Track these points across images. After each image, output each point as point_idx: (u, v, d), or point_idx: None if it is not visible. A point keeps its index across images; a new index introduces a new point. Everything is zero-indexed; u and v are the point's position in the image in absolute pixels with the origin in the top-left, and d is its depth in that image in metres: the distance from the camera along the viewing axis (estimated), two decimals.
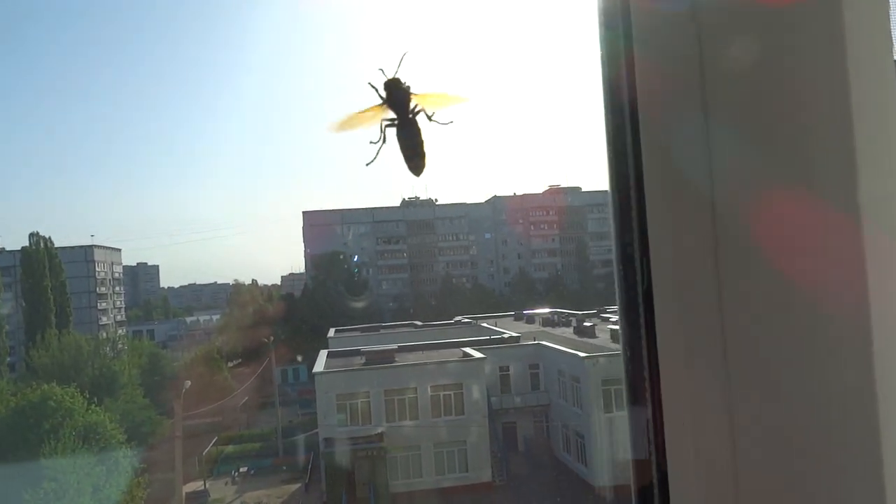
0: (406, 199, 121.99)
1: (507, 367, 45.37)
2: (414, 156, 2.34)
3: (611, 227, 1.41)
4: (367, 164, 2.58)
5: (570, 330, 54.84)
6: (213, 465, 48.17)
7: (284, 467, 47.60)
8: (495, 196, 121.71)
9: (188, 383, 29.76)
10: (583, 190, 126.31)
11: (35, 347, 59.91)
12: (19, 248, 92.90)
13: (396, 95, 2.26)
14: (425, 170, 2.33)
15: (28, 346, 70.11)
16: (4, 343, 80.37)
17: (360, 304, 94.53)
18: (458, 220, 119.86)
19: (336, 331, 68.31)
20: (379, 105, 2.28)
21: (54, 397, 34.81)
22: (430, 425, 38.77)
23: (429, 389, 39.07)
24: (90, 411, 35.21)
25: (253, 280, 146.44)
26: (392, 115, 2.30)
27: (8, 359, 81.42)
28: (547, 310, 70.97)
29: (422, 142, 2.31)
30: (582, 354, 38.52)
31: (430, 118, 2.34)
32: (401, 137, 2.30)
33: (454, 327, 65.23)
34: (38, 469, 26.22)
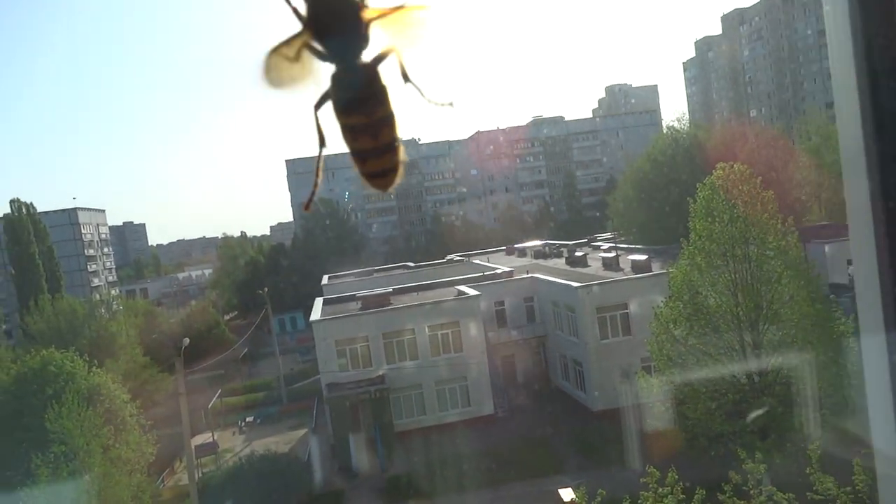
0: None
1: (502, 301, 45.70)
2: (377, 153, 1.39)
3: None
4: (305, 209, 1.81)
5: (562, 261, 55.14)
6: (219, 417, 48.92)
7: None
8: (478, 132, 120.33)
9: (187, 340, 29.74)
10: (566, 119, 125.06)
11: (30, 314, 59.71)
12: (0, 216, 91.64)
13: (332, 15, 1.18)
14: (398, 179, 1.47)
15: (22, 313, 69.88)
16: None
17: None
18: (443, 158, 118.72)
19: (329, 277, 68.33)
20: (299, 36, 1.23)
21: (54, 362, 34.80)
22: (430, 364, 39.29)
23: (426, 329, 39.41)
24: (92, 373, 35.24)
25: (242, 232, 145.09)
26: (323, 59, 1.26)
27: (3, 326, 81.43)
28: (538, 242, 71.11)
29: (391, 122, 1.33)
30: (575, 284, 38.77)
31: (405, 77, 1.31)
32: (348, 111, 1.24)
33: (447, 266, 65.40)
34: (45, 434, 26.45)
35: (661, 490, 8.72)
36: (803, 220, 51.72)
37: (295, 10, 1.22)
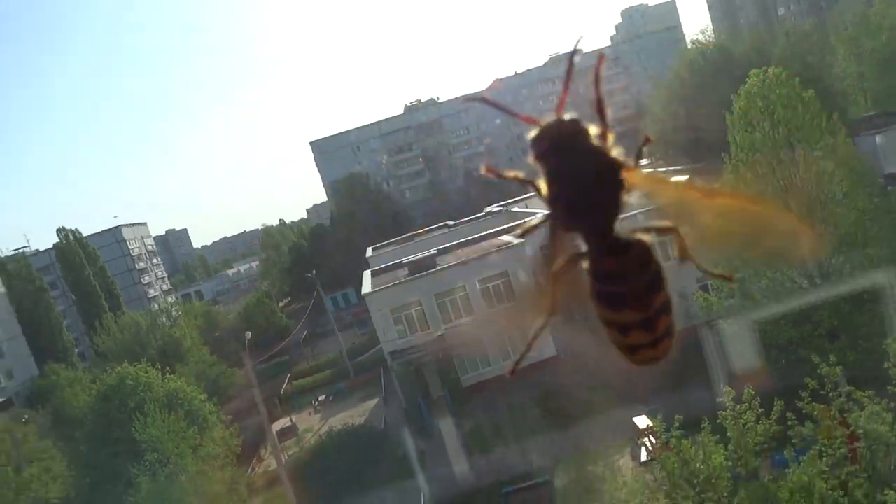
0: (408, 104, 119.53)
1: (546, 244, 45.47)
2: (652, 343, 1.05)
3: None
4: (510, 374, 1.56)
5: None
6: (292, 401, 50.51)
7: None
8: (497, 79, 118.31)
9: (249, 333, 30.63)
10: (584, 52, 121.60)
11: (97, 334, 62.11)
12: (51, 246, 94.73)
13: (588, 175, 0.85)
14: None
15: (90, 335, 72.73)
16: (68, 337, 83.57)
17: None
18: (464, 113, 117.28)
19: (373, 249, 68.93)
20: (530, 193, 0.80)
21: (130, 376, 36.31)
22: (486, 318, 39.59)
23: (477, 284, 39.61)
24: (167, 380, 36.71)
25: (280, 220, 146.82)
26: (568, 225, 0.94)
27: (77, 349, 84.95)
28: None
29: (669, 309, 0.96)
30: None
31: (684, 256, 0.99)
32: (617, 305, 0.92)
33: (486, 219, 65.20)
34: (136, 444, 27.81)
35: (738, 407, 8.74)
36: (849, 113, 49.57)
37: (539, 161, 0.89)
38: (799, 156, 22.77)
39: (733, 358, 25.65)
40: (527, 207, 60.49)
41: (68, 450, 38.11)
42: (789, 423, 9.53)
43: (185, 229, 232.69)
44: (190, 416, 32.13)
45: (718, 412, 8.90)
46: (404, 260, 47.34)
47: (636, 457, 24.84)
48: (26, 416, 48.62)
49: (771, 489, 8.18)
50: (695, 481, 8.95)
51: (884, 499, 8.98)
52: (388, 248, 66.50)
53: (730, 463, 8.48)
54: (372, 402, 46.00)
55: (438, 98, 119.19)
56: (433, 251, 46.95)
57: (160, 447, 25.28)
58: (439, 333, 39.20)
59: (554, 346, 40.05)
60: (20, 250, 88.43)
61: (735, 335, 25.32)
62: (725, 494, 8.42)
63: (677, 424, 9.33)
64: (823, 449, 8.79)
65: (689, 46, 65.09)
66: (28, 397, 66.45)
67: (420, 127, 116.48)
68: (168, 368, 40.70)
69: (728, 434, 8.67)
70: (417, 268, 43.28)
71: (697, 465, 8.53)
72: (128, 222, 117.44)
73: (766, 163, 23.18)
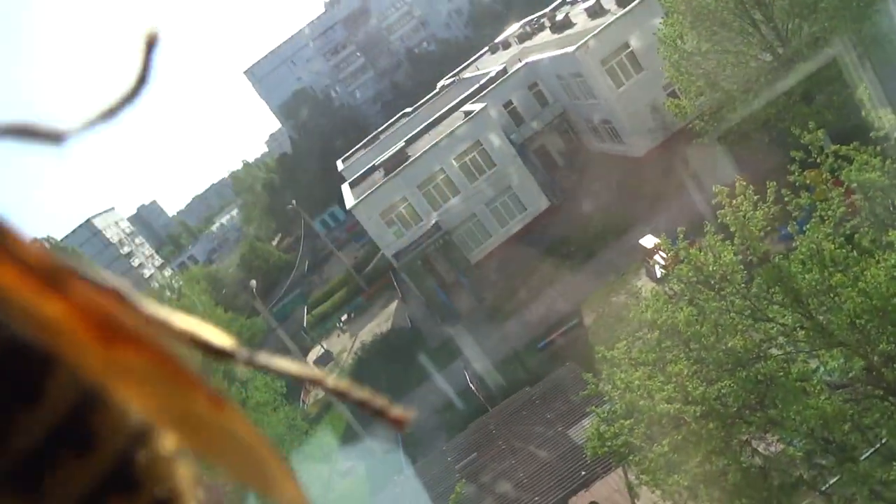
0: (326, 1, 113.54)
1: (510, 101, 44.75)
2: None
3: None
4: None
5: (548, 32, 52.74)
6: (318, 329, 51.64)
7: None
8: None
9: (254, 282, 30.84)
10: None
11: None
12: None
13: None
14: None
15: None
16: None
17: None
18: None
19: (343, 160, 67.93)
20: None
21: None
22: (473, 192, 39.64)
23: (454, 163, 39.34)
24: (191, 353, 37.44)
25: (243, 162, 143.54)
26: None
27: None
28: (516, 26, 67.85)
29: None
30: (570, 49, 37.29)
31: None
32: None
33: (441, 94, 63.70)
34: None
35: (734, 201, 8.89)
36: None
37: None
38: None
39: (716, 154, 25.89)
40: (478, 70, 58.96)
41: None
42: (786, 199, 9.69)
43: (155, 201, 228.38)
44: (226, 374, 32.95)
45: (717, 212, 9.06)
46: (377, 162, 46.78)
47: (652, 276, 25.62)
48: None
49: (783, 266, 8.48)
50: (711, 282, 9.26)
51: (890, 239, 9.30)
52: (358, 155, 65.48)
53: (739, 256, 8.73)
54: (392, 307, 47.01)
55: None
56: (402, 144, 46.29)
57: None
58: (433, 222, 39.42)
59: (544, 197, 40.43)
60: None
61: (714, 130, 25.37)
62: (743, 285, 8.75)
63: (681, 236, 9.51)
64: (823, 213, 9.00)
65: None
66: None
67: (347, 19, 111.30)
68: None
69: (731, 229, 8.87)
70: (392, 165, 42.83)
71: (711, 268, 8.80)
72: (95, 213, 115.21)
73: None
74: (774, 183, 9.27)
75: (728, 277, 8.63)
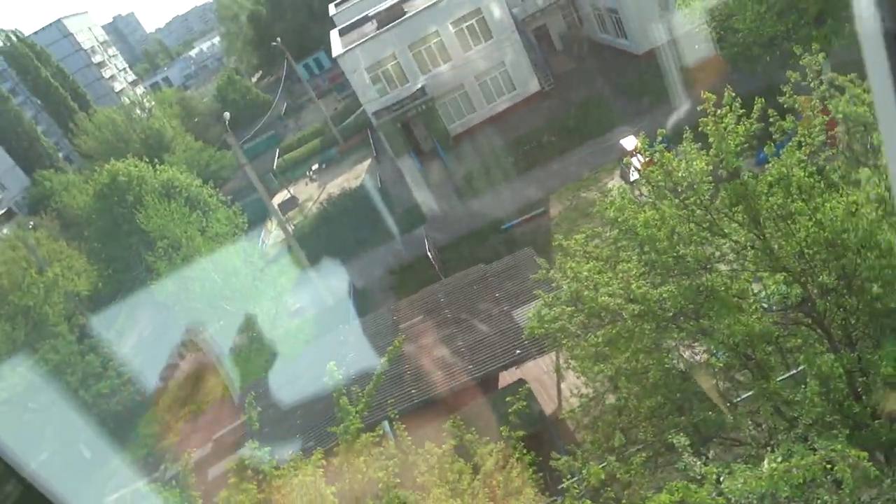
0: None
1: None
2: None
3: None
4: None
5: None
6: (287, 174, 51.15)
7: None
8: None
9: (227, 114, 29.92)
10: None
11: (75, 136, 60.97)
12: None
13: None
14: None
15: (69, 137, 71.42)
16: (48, 142, 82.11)
17: None
18: None
19: (336, 5, 64.39)
20: None
21: (121, 172, 36.36)
22: (464, 61, 38.34)
23: (450, 27, 37.69)
24: (158, 171, 36.81)
25: None
26: None
27: (60, 154, 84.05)
28: None
29: None
30: None
31: None
32: None
33: None
34: (146, 235, 28.80)
35: (719, 112, 8.74)
36: None
37: None
38: None
39: (716, 65, 25.29)
40: None
41: (83, 249, 39.64)
42: (771, 119, 9.58)
43: (132, 13, 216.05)
44: (190, 202, 32.77)
45: (699, 119, 8.93)
46: (371, 12, 44.49)
47: (626, 177, 25.64)
48: (32, 223, 49.78)
49: (750, 185, 8.52)
50: (679, 189, 9.30)
51: (858, 177, 9.37)
52: (351, 2, 62.10)
53: (710, 167, 8.72)
54: (365, 164, 46.58)
55: None
56: None
57: (168, 234, 26.20)
58: (419, 86, 38.29)
59: (536, 79, 39.39)
60: None
61: (718, 40, 24.64)
62: (707, 197, 8.82)
63: (660, 139, 9.41)
64: (802, 139, 8.96)
65: None
66: (28, 206, 67.38)
67: None
68: (157, 160, 40.62)
69: (710, 139, 8.79)
70: (386, 18, 40.82)
71: (680, 174, 8.80)
72: (67, 14, 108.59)
73: None
74: (763, 100, 9.12)
75: (694, 186, 8.66)
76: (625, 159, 26.41)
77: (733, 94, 8.71)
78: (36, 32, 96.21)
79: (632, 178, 24.59)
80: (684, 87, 28.50)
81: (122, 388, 30.31)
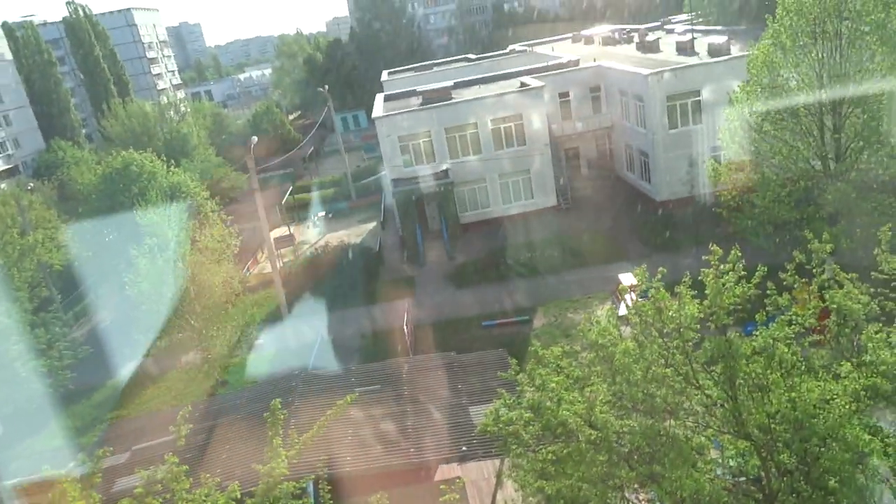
0: None
1: (567, 92, 44.14)
2: None
3: None
4: None
5: (633, 47, 51.90)
6: (292, 212, 51.41)
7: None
8: None
9: (255, 138, 30.42)
10: None
11: (105, 118, 61.74)
12: (60, 20, 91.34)
13: None
14: None
15: (98, 117, 72.36)
16: (76, 116, 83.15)
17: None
18: None
19: (389, 73, 66.89)
20: None
21: (136, 163, 36.62)
22: (493, 158, 39.34)
23: (489, 123, 38.91)
24: (171, 172, 37.06)
25: (297, 30, 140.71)
26: None
27: (84, 130, 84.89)
28: (607, 28, 66.62)
29: None
30: (645, 72, 36.76)
31: None
32: None
33: (509, 57, 62.67)
34: (137, 228, 28.66)
35: (722, 266, 8.89)
36: None
37: None
38: (846, 28, 21.35)
39: (728, 229, 25.89)
40: (552, 51, 57.95)
41: (72, 223, 39.32)
42: (768, 291, 9.74)
43: (199, 24, 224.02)
44: (191, 209, 32.78)
45: (702, 269, 9.07)
46: (419, 88, 46.12)
47: (615, 310, 25.73)
48: (31, 185, 49.60)
49: (734, 345, 8.54)
50: (664, 329, 9.31)
51: (839, 370, 9.39)
52: (405, 75, 64.53)
53: (701, 315, 8.78)
54: (370, 225, 46.92)
55: None
56: (450, 83, 45.62)
57: (160, 233, 26.08)
58: (444, 168, 39.13)
59: (555, 195, 40.30)
60: (28, 18, 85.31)
61: (736, 207, 25.33)
62: (690, 344, 8.82)
63: (659, 276, 9.52)
64: (794, 317, 9.06)
65: None
66: (35, 169, 67.37)
67: None
68: (173, 162, 40.97)
69: (706, 291, 8.89)
70: (432, 98, 42.27)
71: (670, 314, 8.83)
72: (140, 6, 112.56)
73: (809, 31, 21.81)
74: (765, 268, 9.29)
75: (681, 330, 8.69)
76: (619, 290, 26.63)
77: (739, 255, 8.89)
78: (104, 14, 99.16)
79: (620, 313, 24.77)
80: (695, 242, 29.07)
81: (60, 371, 29.31)
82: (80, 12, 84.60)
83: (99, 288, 39.50)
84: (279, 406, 9.05)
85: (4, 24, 78.91)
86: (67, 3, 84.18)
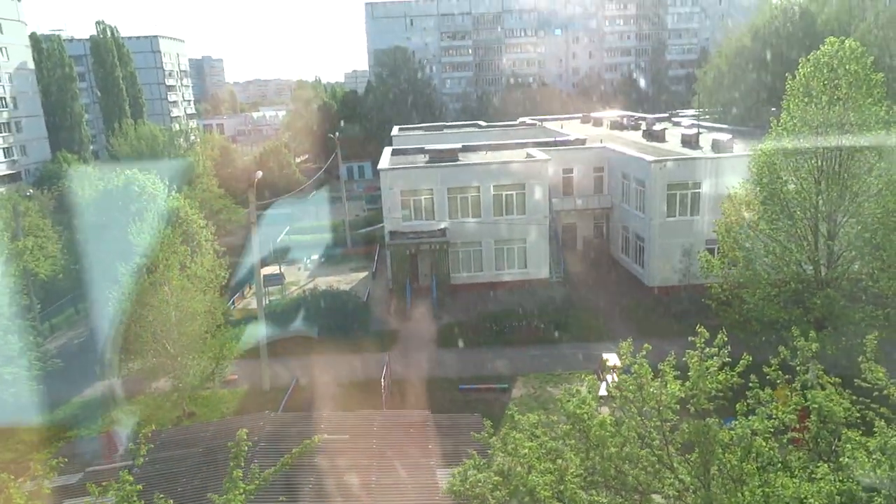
0: None
1: (571, 169, 44.94)
2: None
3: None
4: None
5: (639, 134, 53.19)
6: (285, 252, 51.36)
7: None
8: None
9: (259, 173, 30.66)
10: None
11: (114, 136, 62.28)
12: (87, 38, 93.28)
13: None
14: None
15: (108, 135, 73.02)
16: (86, 132, 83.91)
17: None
18: (528, 14, 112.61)
19: (400, 129, 68.16)
20: None
21: (137, 182, 36.67)
22: (491, 223, 39.67)
23: (491, 188, 39.42)
24: (171, 197, 37.06)
25: (316, 77, 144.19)
26: None
27: (91, 147, 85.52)
28: (616, 112, 68.42)
29: None
30: (649, 158, 37.57)
31: None
32: None
33: (518, 128, 64.08)
34: (129, 247, 28.46)
35: (707, 350, 8.86)
36: None
37: None
38: (846, 141, 21.96)
39: (716, 321, 25.91)
40: (561, 127, 59.28)
41: (64, 235, 39.10)
42: (751, 384, 9.68)
43: (221, 60, 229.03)
44: (185, 236, 32.65)
45: (687, 351, 9.03)
46: (427, 146, 46.90)
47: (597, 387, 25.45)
48: (31, 192, 49.54)
49: (712, 430, 8.43)
50: (644, 408, 9.20)
51: (816, 474, 9.25)
52: (415, 132, 65.75)
53: (682, 394, 8.69)
54: (361, 275, 46.82)
55: None
56: (458, 145, 46.43)
57: (151, 254, 25.91)
58: (442, 226, 39.40)
59: (548, 268, 40.46)
60: (57, 32, 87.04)
61: (725, 301, 25.41)
62: (668, 423, 8.70)
63: (644, 353, 9.47)
64: (774, 411, 8.98)
65: (773, 1, 61.04)
66: (37, 177, 67.45)
67: (479, 18, 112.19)
68: (175, 187, 41.05)
69: (689, 373, 8.83)
70: (438, 157, 42.96)
71: (651, 391, 8.74)
72: (168, 35, 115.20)
73: (811, 140, 22.43)
74: (750, 358, 9.26)
75: (660, 409, 8.58)
76: (602, 368, 26.41)
77: (725, 340, 8.88)
78: (131, 37, 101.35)
79: (601, 392, 24.52)
80: (682, 331, 29.02)
81: (27, 382, 28.56)
82: (108, 32, 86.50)
83: (81, 302, 38.98)
84: (245, 437, 8.82)
85: (32, 35, 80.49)
86: (97, 23, 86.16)
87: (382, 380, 26.45)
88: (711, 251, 29.68)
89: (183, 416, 26.50)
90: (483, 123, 71.52)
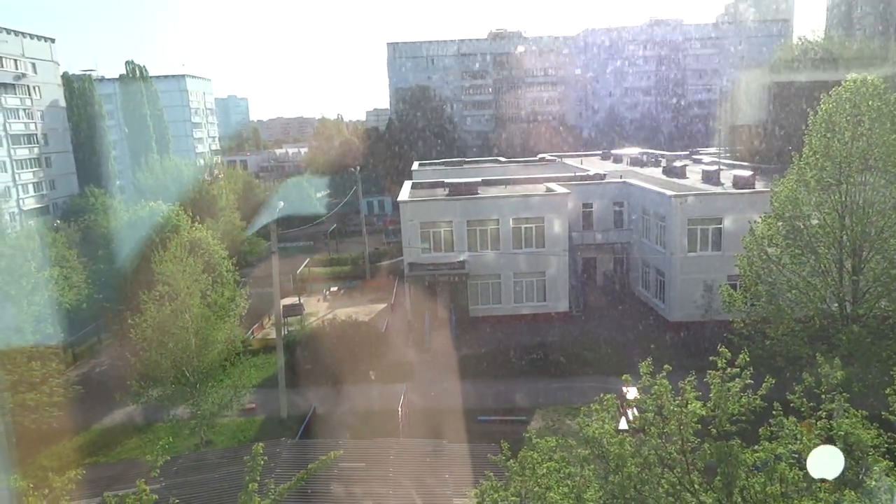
0: (493, 31, 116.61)
1: (591, 203, 44.99)
2: None
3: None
4: None
5: (659, 170, 53.23)
6: (306, 284, 51.69)
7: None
8: (588, 29, 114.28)
9: (282, 203, 31.14)
10: (685, 23, 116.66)
11: (140, 171, 63.66)
12: (117, 77, 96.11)
13: None
14: None
15: (134, 170, 74.62)
16: (114, 167, 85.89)
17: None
18: (548, 54, 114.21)
19: (420, 164, 68.89)
20: None
21: (161, 214, 37.41)
22: (510, 256, 39.69)
23: (511, 221, 39.53)
24: (194, 228, 37.69)
25: (338, 115, 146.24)
26: None
27: (118, 182, 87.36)
28: (636, 150, 68.64)
29: None
30: (669, 193, 37.54)
31: None
32: None
33: (538, 165, 64.44)
34: (151, 276, 28.84)
35: (729, 370, 8.75)
36: None
37: None
38: (870, 177, 21.81)
39: (738, 356, 25.48)
40: (581, 163, 59.53)
41: (89, 266, 39.71)
42: (774, 412, 9.52)
43: (246, 99, 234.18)
44: (207, 266, 33.05)
45: (709, 371, 8.92)
46: (447, 180, 47.30)
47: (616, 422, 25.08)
48: (58, 223, 50.56)
49: (735, 451, 8.28)
50: (665, 429, 9.07)
51: (842, 497, 9.03)
52: (435, 167, 66.37)
53: (703, 413, 8.57)
54: (380, 307, 46.86)
55: (524, 32, 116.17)
56: (478, 179, 46.78)
57: (173, 282, 26.22)
58: (461, 258, 39.48)
59: (568, 301, 40.23)
60: (88, 72, 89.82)
61: (748, 336, 24.98)
62: (689, 443, 8.56)
63: (664, 375, 9.37)
64: (800, 434, 8.81)
65: (794, 41, 61.41)
66: (64, 211, 68.85)
67: (499, 57, 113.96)
68: (198, 219, 41.78)
69: (711, 393, 8.72)
70: (458, 191, 43.28)
71: (671, 407, 8.63)
72: (194, 74, 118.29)
73: (834, 174, 22.30)
74: (772, 380, 9.13)
75: (681, 428, 8.46)
76: (620, 407, 25.99)
77: (747, 359, 8.77)
78: (159, 77, 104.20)
79: (621, 426, 24.11)
80: (702, 366, 28.59)
81: (47, 408, 28.77)
82: (137, 72, 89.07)
83: (104, 331, 39.35)
84: (260, 451, 8.81)
85: (64, 75, 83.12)
86: (126, 62, 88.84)
87: (400, 409, 26.29)
88: (734, 286, 29.34)
89: (201, 443, 26.46)
90: (503, 159, 72.07)
